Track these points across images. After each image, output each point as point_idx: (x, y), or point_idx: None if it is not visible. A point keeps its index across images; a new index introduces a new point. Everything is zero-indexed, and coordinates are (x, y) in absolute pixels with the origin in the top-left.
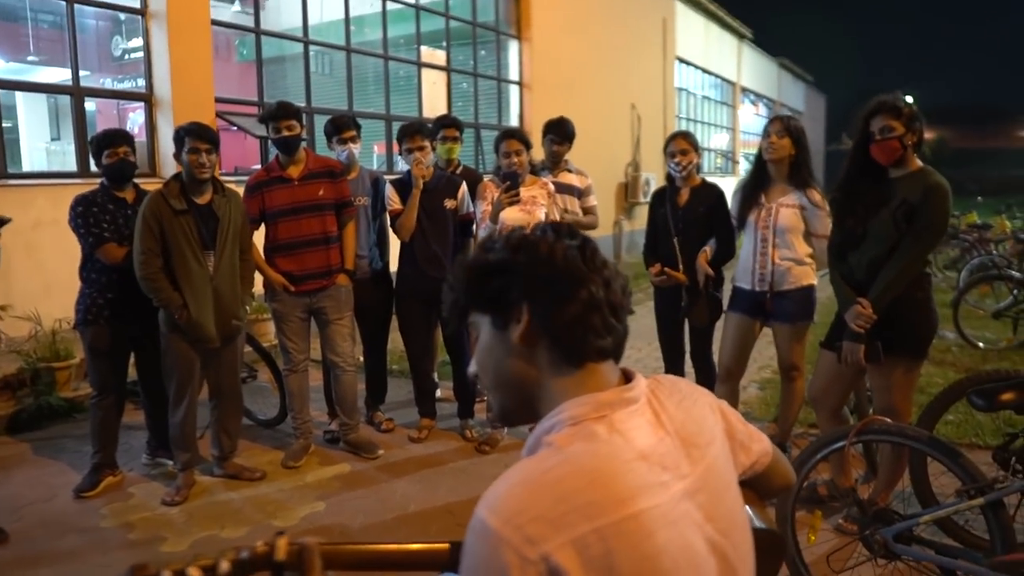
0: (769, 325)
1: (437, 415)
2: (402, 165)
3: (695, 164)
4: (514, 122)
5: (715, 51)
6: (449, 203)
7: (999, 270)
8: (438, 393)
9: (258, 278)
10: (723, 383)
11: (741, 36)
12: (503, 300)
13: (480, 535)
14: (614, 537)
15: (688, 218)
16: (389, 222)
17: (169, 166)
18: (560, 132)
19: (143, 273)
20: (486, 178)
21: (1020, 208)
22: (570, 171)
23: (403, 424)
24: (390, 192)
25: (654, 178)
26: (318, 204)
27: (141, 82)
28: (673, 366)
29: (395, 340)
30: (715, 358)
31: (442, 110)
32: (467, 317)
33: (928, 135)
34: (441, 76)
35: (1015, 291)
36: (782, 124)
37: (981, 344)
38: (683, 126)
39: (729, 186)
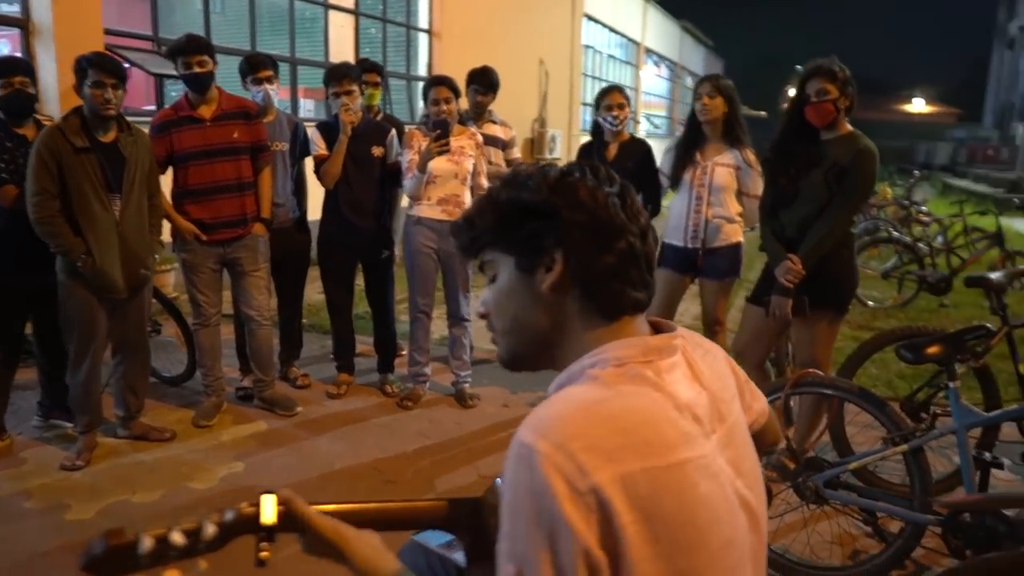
0: (697, 281)
1: (355, 370)
2: (307, 111)
3: (627, 118)
4: (423, 71)
5: (622, 10)
6: (377, 150)
7: (888, 233)
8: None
9: (165, 226)
10: None
11: None
12: (534, 243)
13: (525, 461)
14: (662, 481)
15: (617, 173)
16: (313, 168)
17: (51, 102)
18: (484, 82)
19: (38, 216)
20: (411, 127)
21: (900, 176)
22: (494, 122)
23: (320, 380)
24: (315, 137)
25: (560, 134)
26: (232, 147)
27: (16, 7)
28: None
29: (308, 293)
30: None
31: (349, 56)
32: (482, 253)
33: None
34: (349, 20)
35: (900, 253)
36: (712, 84)
37: (870, 303)
38: (588, 84)
39: None
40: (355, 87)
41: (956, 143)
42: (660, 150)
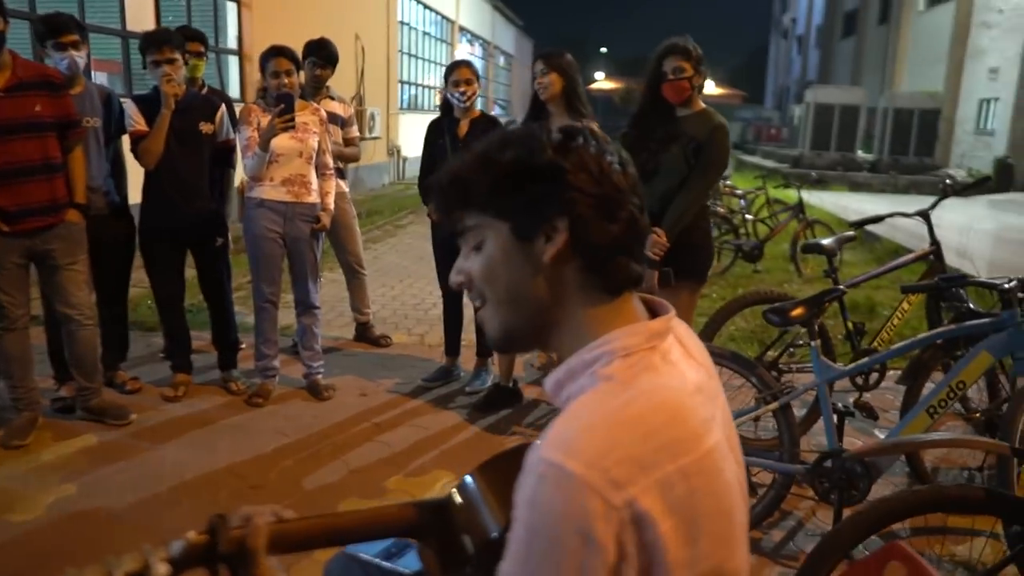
0: None
1: (193, 368)
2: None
3: (477, 94)
4: (232, 44)
5: None
6: (205, 127)
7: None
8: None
9: None
10: None
11: None
12: (535, 209)
13: (553, 482)
14: (696, 475)
15: (468, 150)
16: (130, 146)
17: None
18: (323, 55)
19: None
20: (248, 102)
21: None
22: (332, 98)
23: (151, 382)
24: (132, 111)
25: (379, 112)
26: (36, 123)
27: None
28: (453, 300)
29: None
30: None
31: (148, 23)
32: (467, 217)
33: (619, 84)
34: None
35: (718, 224)
36: (544, 63)
37: None
38: (405, 61)
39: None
40: (178, 55)
41: (744, 123)
42: None
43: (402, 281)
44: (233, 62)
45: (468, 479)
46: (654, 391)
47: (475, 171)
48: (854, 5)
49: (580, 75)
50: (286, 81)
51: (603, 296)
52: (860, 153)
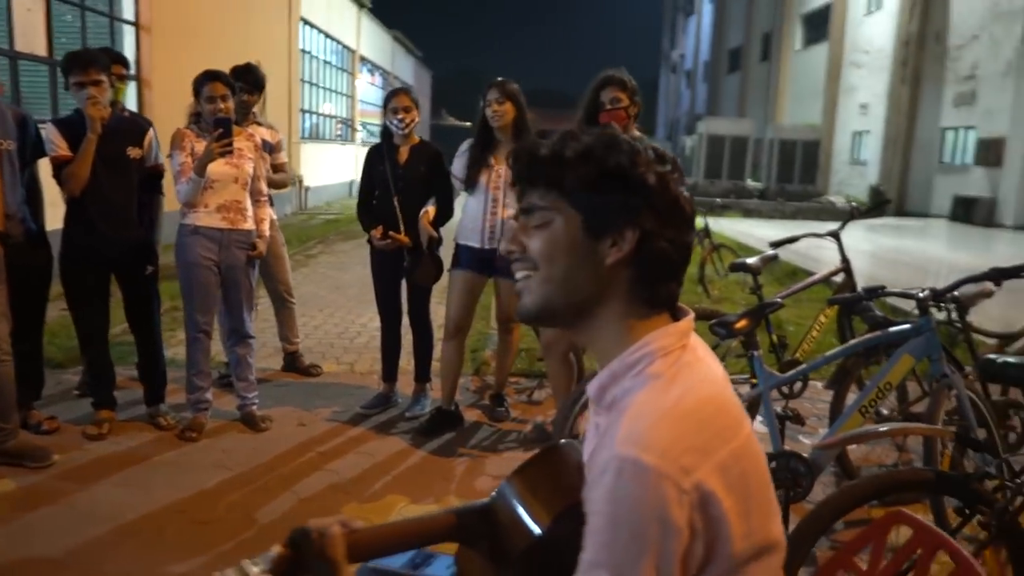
0: (495, 280)
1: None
2: None
3: (416, 122)
4: (131, 68)
5: (337, 17)
6: (133, 151)
7: None
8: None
9: None
10: (452, 338)
11: (361, 5)
12: (613, 214)
13: (634, 475)
14: (743, 456)
15: (409, 177)
16: (52, 172)
17: None
18: (250, 79)
19: None
20: (179, 126)
21: None
22: (260, 124)
23: (67, 421)
24: (53, 135)
25: (283, 140)
26: None
27: None
28: (391, 327)
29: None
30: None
31: (40, 45)
32: (544, 196)
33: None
34: (39, 3)
35: None
36: (500, 90)
37: None
38: (306, 89)
39: (349, 154)
40: (104, 77)
41: None
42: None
43: (322, 311)
44: (130, 87)
45: (505, 484)
46: (699, 385)
47: (575, 159)
48: (738, 43)
49: (526, 106)
50: (222, 106)
51: (644, 309)
52: (750, 181)
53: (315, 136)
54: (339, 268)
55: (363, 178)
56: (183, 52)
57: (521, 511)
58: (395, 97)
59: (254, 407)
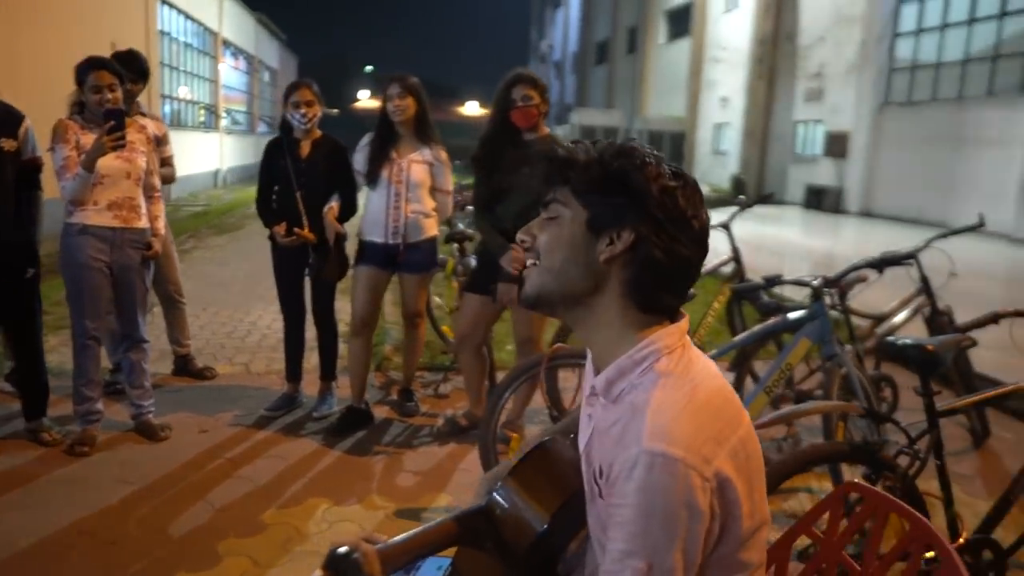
0: (399, 275)
1: None
2: None
3: (319, 116)
4: None
5: None
6: (6, 143)
7: None
8: None
9: None
10: (358, 335)
11: None
12: (614, 214)
13: (664, 468)
14: (747, 442)
15: (312, 172)
16: None
17: None
18: (134, 67)
19: None
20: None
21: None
22: (144, 115)
23: None
24: None
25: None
26: None
27: None
28: (295, 325)
29: None
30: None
31: None
32: (558, 192)
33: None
34: None
35: None
36: (401, 85)
37: None
38: (167, 74)
39: (213, 143)
40: None
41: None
42: (242, 147)
43: (206, 310)
44: None
45: (501, 486)
46: (706, 379)
47: (585, 162)
48: (605, 35)
49: (428, 100)
50: (109, 96)
51: (639, 313)
52: None
53: (177, 123)
54: (217, 264)
55: (262, 173)
56: (28, 31)
57: (521, 510)
58: (297, 90)
59: (150, 415)
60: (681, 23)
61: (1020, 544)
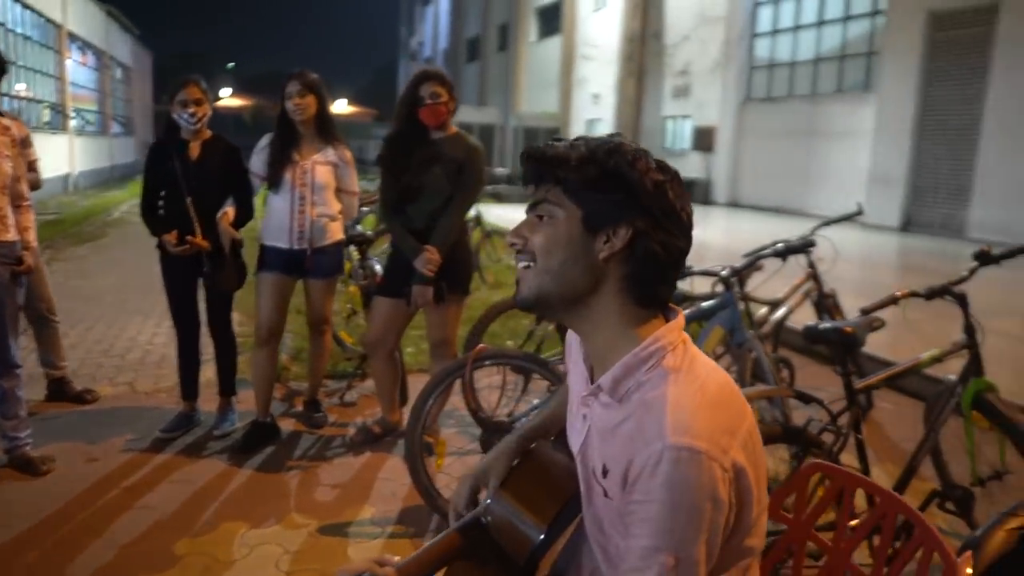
0: (304, 281)
1: None
2: None
3: (208, 115)
4: None
5: None
6: None
7: None
8: None
9: None
10: (263, 345)
11: None
12: (610, 211)
13: (689, 461)
14: (753, 431)
15: (203, 175)
16: None
17: None
18: None
19: None
20: None
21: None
22: (2, 115)
23: None
24: None
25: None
26: None
27: None
28: (189, 339)
29: None
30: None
31: None
32: (553, 191)
33: (249, 102)
34: None
35: None
36: (301, 83)
37: None
38: None
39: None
40: None
41: (382, 141)
42: (95, 149)
43: (75, 327)
44: None
45: (494, 499)
46: (711, 373)
47: (579, 159)
48: (476, 32)
49: (329, 98)
50: None
51: (637, 308)
52: (499, 169)
53: None
54: (80, 276)
55: (146, 178)
56: None
57: (516, 522)
58: (184, 88)
59: (27, 447)
60: (552, 21)
61: (925, 506)
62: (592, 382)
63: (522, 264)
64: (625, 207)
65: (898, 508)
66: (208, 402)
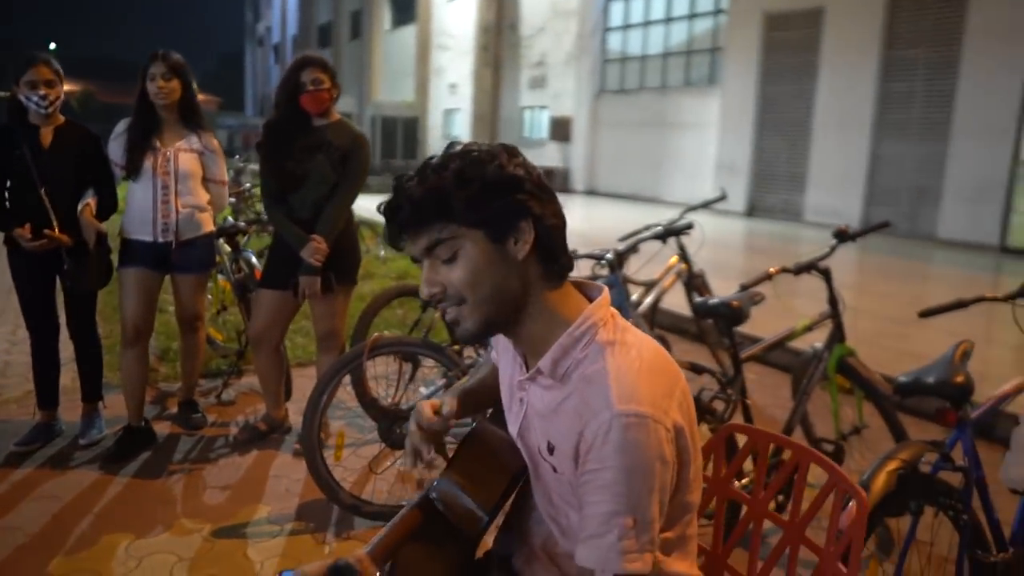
0: (172, 276)
1: None
2: None
3: (61, 99)
4: None
5: None
6: None
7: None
8: None
9: None
10: (132, 345)
11: None
12: (505, 216)
13: (637, 426)
14: (687, 392)
15: (58, 164)
16: None
17: None
18: None
19: None
20: None
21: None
22: None
23: None
24: None
25: None
26: None
27: None
28: (46, 343)
29: None
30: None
31: None
32: (440, 231)
33: (74, 87)
34: None
35: None
36: (166, 65)
37: None
38: None
39: None
40: None
41: (230, 130)
42: None
43: None
44: None
45: (442, 479)
46: (643, 342)
47: (452, 187)
48: (327, 19)
49: (194, 82)
50: None
51: (556, 283)
52: None
53: None
54: None
55: None
56: None
57: (466, 500)
58: (33, 67)
59: None
60: (406, 10)
61: None
62: (527, 368)
63: (452, 311)
64: (515, 204)
65: (809, 457)
66: (68, 411)
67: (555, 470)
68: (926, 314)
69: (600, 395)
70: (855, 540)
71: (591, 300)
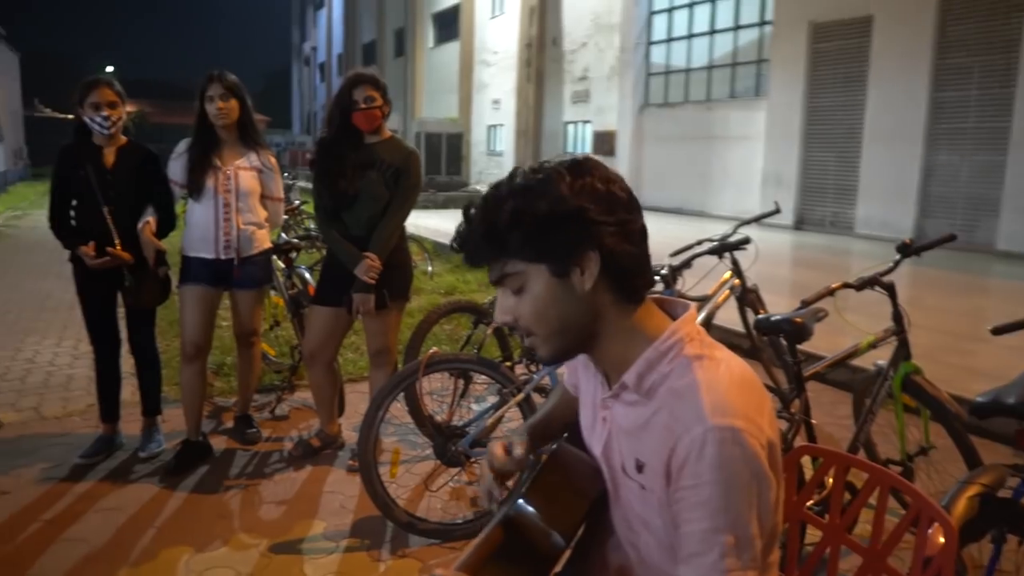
0: (231, 293)
1: None
2: None
3: (124, 119)
4: None
5: None
6: None
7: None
8: None
9: None
10: (192, 361)
11: None
12: (567, 249)
13: (732, 441)
14: (773, 412)
15: (120, 184)
16: None
17: None
18: None
19: None
20: None
21: None
22: None
23: None
24: None
25: None
26: None
27: None
28: (109, 358)
29: None
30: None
31: None
32: (505, 266)
33: (131, 108)
34: None
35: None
36: (224, 86)
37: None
38: None
39: None
40: None
41: (278, 148)
42: None
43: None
44: None
45: (523, 501)
46: (731, 357)
47: (507, 226)
48: (371, 38)
49: (251, 102)
50: None
51: (632, 305)
52: None
53: None
54: None
55: (56, 186)
56: None
57: (544, 524)
58: (95, 89)
59: None
60: (449, 27)
61: None
62: (609, 387)
63: (528, 339)
64: (576, 235)
65: (888, 481)
66: (128, 424)
67: (643, 487)
68: (999, 331)
69: (692, 409)
70: (944, 570)
71: (674, 318)
